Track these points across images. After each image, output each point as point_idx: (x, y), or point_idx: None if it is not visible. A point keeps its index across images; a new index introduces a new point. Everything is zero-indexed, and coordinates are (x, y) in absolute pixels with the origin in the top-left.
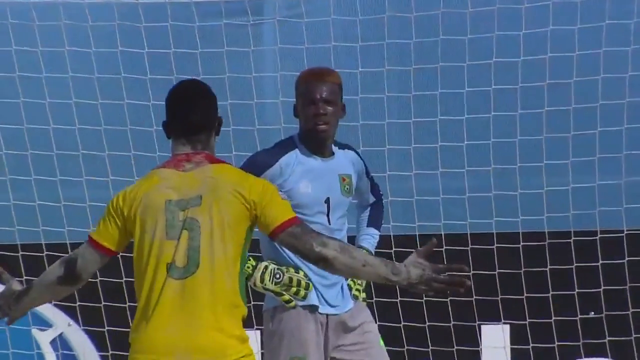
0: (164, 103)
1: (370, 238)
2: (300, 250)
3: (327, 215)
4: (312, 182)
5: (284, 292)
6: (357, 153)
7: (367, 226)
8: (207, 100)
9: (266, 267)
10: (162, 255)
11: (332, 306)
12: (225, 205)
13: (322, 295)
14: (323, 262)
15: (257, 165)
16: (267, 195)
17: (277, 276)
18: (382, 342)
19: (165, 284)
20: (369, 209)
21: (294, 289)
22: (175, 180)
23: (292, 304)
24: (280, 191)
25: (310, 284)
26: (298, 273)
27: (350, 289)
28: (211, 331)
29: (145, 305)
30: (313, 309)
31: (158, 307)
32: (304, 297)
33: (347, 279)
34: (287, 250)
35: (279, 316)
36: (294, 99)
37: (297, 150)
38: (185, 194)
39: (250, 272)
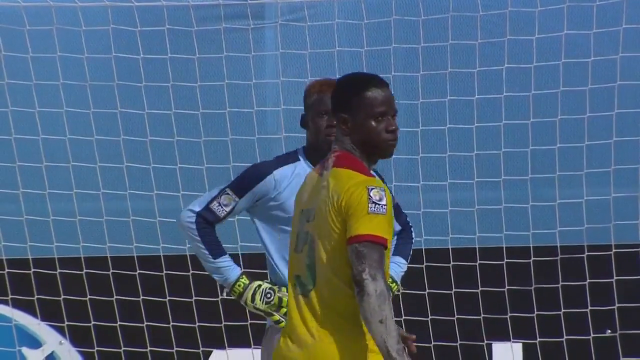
0: (159, 112)
1: (396, 266)
2: (352, 269)
3: None
4: None
5: (274, 312)
6: (379, 175)
7: (394, 254)
8: (345, 87)
9: (259, 286)
10: (292, 268)
11: None
12: (327, 227)
13: None
14: (358, 290)
15: (251, 175)
16: (356, 204)
17: (268, 296)
18: None
19: (294, 297)
20: (395, 237)
21: (283, 310)
22: (310, 186)
23: (282, 324)
24: (274, 203)
25: None
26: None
27: None
28: (323, 346)
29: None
30: None
31: (289, 321)
32: None
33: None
34: (281, 268)
35: (269, 336)
36: (296, 107)
37: (298, 163)
38: (309, 204)
39: (242, 290)
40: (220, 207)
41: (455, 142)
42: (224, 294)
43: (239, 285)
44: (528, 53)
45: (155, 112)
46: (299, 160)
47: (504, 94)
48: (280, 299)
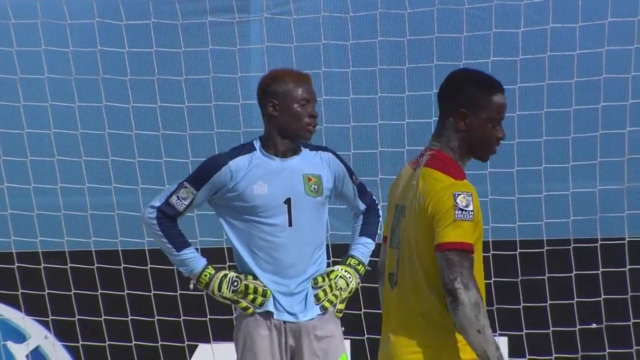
0: (144, 105)
1: (362, 247)
2: (442, 276)
3: (289, 216)
4: (268, 182)
5: (241, 300)
6: (337, 155)
7: (360, 235)
8: (451, 80)
9: (225, 276)
10: (388, 263)
11: (290, 313)
12: (413, 227)
13: (279, 302)
14: (451, 299)
15: (207, 167)
16: (443, 210)
17: (235, 284)
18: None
19: (389, 292)
20: (361, 217)
21: (250, 296)
22: (404, 180)
23: (250, 310)
24: (232, 194)
25: (268, 291)
26: (256, 280)
27: (319, 299)
28: (394, 346)
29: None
30: (268, 315)
31: (384, 317)
32: (261, 304)
33: (315, 292)
34: (246, 258)
35: (238, 324)
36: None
37: (254, 153)
38: (402, 199)
39: (208, 280)
40: (179, 201)
41: None
42: (191, 286)
43: (205, 276)
44: (514, 46)
45: (140, 105)
46: (255, 150)
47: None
48: (246, 286)
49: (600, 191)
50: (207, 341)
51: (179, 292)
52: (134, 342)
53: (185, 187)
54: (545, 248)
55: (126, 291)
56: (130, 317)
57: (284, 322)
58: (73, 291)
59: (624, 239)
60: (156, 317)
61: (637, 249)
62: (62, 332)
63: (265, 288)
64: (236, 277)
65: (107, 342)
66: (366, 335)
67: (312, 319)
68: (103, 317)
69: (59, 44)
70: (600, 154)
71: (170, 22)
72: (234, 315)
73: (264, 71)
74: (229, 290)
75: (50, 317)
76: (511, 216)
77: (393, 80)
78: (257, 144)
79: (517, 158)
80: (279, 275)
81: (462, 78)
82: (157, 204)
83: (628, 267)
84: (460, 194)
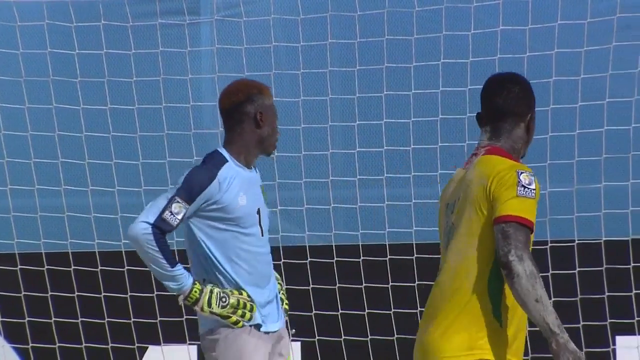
0: (95, 107)
1: None
2: (497, 250)
3: (260, 226)
4: (245, 194)
5: (231, 315)
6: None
7: None
8: (517, 85)
9: (211, 291)
10: (442, 262)
11: (272, 323)
12: (471, 211)
13: (261, 313)
14: (506, 272)
15: (198, 181)
16: (505, 187)
17: (224, 300)
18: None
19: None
20: None
21: (239, 312)
22: (455, 181)
23: (240, 324)
24: (218, 206)
25: (254, 305)
26: (241, 294)
27: (282, 301)
28: (439, 343)
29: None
30: (257, 327)
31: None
32: (250, 319)
33: (279, 296)
34: (228, 269)
35: (226, 339)
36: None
37: (229, 164)
38: (452, 197)
39: (198, 296)
40: (172, 217)
41: (392, 136)
42: (180, 302)
43: (195, 292)
44: (464, 48)
45: (90, 107)
46: (228, 161)
47: (440, 89)
48: (238, 301)
49: (550, 193)
50: (158, 343)
51: (129, 294)
52: (84, 344)
53: (178, 201)
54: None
55: (76, 293)
56: (80, 319)
57: (269, 332)
58: (23, 293)
59: (573, 240)
60: (106, 319)
61: (586, 250)
62: (12, 334)
63: (251, 302)
64: (223, 292)
65: (57, 344)
66: (317, 337)
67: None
68: (53, 318)
69: (8, 45)
70: (550, 157)
71: (120, 24)
72: (208, 328)
73: (215, 73)
74: (218, 306)
75: (0, 319)
76: None
77: (343, 82)
78: (226, 154)
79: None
80: (258, 286)
81: (520, 83)
82: (151, 220)
83: (577, 269)
84: (523, 172)
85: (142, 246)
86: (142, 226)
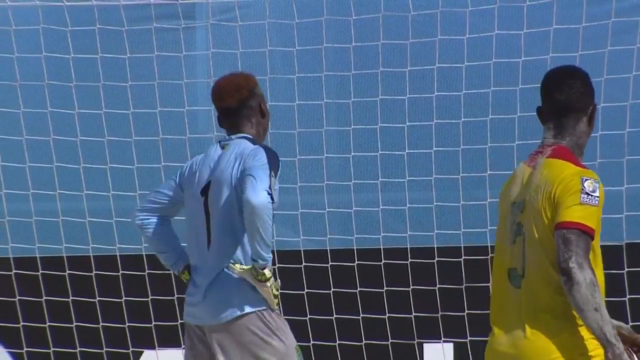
0: (90, 112)
1: None
2: (558, 256)
3: None
4: None
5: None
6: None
7: None
8: (577, 79)
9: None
10: (505, 260)
11: None
12: (537, 216)
13: None
14: (565, 278)
15: (278, 163)
16: (569, 193)
17: (278, 282)
18: None
19: (508, 289)
20: None
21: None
22: (521, 178)
23: (275, 306)
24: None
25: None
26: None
27: None
28: (530, 341)
29: (493, 307)
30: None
31: (501, 314)
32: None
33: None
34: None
35: (270, 316)
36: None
37: None
38: (520, 196)
39: (271, 274)
40: (274, 192)
41: (387, 141)
42: (267, 274)
43: (271, 271)
44: (459, 52)
45: (85, 111)
46: None
47: (435, 93)
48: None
49: None
50: (152, 347)
51: (123, 298)
52: (79, 349)
53: (273, 176)
54: (490, 255)
55: (71, 297)
56: (75, 324)
57: None
58: (17, 297)
59: None
60: (101, 324)
61: None
62: (7, 339)
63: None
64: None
65: (52, 349)
66: (311, 342)
67: None
68: (48, 323)
69: (3, 49)
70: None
71: (115, 28)
72: (256, 308)
73: (210, 77)
74: (276, 289)
75: None
76: (456, 223)
77: (339, 87)
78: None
79: (462, 165)
80: None
81: (582, 75)
82: (269, 190)
83: None
84: (588, 179)
85: (264, 214)
86: (266, 195)
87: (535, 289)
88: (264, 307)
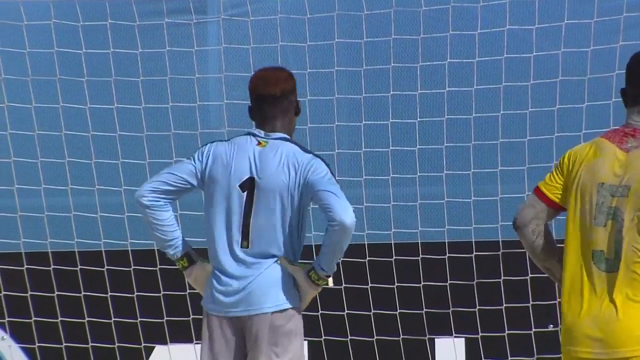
0: (101, 107)
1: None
2: None
3: None
4: None
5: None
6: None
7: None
8: None
9: None
10: (588, 240)
11: None
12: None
13: None
14: None
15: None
16: None
17: None
18: None
19: (591, 271)
20: None
21: None
22: (611, 159)
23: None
24: None
25: None
26: None
27: None
28: (623, 323)
29: (568, 289)
30: None
31: (583, 294)
32: None
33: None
34: (298, 249)
35: (300, 315)
36: (239, 101)
37: None
38: (616, 179)
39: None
40: None
41: (398, 136)
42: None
43: None
44: (471, 47)
45: (97, 106)
46: None
47: (447, 89)
48: None
49: None
50: (164, 343)
51: (135, 293)
52: (90, 344)
53: None
54: (502, 251)
55: (83, 292)
56: (87, 319)
57: None
58: (29, 292)
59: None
60: (113, 319)
61: None
62: (19, 334)
63: None
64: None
65: (64, 344)
66: (323, 337)
67: None
68: (60, 318)
69: (15, 45)
70: (556, 157)
71: (127, 23)
72: (296, 305)
73: (222, 72)
74: None
75: (7, 319)
76: (467, 218)
77: (350, 82)
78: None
79: (473, 160)
80: None
81: None
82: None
83: None
84: None
85: (351, 231)
86: (353, 214)
87: (631, 274)
88: (299, 306)
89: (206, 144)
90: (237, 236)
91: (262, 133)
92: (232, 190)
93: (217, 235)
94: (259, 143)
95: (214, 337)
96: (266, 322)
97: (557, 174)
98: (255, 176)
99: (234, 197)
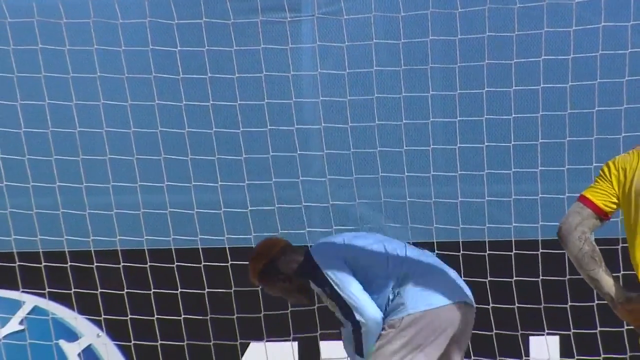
0: (196, 104)
1: None
2: None
3: None
4: None
5: None
6: None
7: None
8: None
9: None
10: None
11: None
12: None
13: None
14: None
15: None
16: None
17: None
18: None
19: None
20: None
21: None
22: None
23: None
24: None
25: None
26: None
27: None
28: None
29: None
30: None
31: None
32: None
33: None
34: None
35: None
36: (333, 98)
37: None
38: None
39: None
40: None
41: (492, 132)
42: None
43: None
44: (566, 44)
45: (192, 104)
46: None
47: (541, 85)
48: None
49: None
50: (260, 339)
51: (233, 289)
52: (186, 342)
53: None
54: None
55: (179, 290)
56: (182, 316)
57: None
58: (125, 290)
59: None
60: (209, 316)
61: None
62: (115, 331)
63: None
64: None
65: (160, 342)
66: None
67: None
68: (155, 316)
69: (110, 43)
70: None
71: (221, 21)
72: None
73: (316, 70)
74: None
75: (103, 316)
76: (560, 215)
77: (444, 79)
78: None
79: (568, 156)
80: None
81: None
82: None
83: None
84: None
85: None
86: None
87: None
88: None
89: None
90: None
91: None
92: None
93: None
94: None
95: (457, 326)
96: (473, 315)
97: (603, 182)
98: None
99: None
